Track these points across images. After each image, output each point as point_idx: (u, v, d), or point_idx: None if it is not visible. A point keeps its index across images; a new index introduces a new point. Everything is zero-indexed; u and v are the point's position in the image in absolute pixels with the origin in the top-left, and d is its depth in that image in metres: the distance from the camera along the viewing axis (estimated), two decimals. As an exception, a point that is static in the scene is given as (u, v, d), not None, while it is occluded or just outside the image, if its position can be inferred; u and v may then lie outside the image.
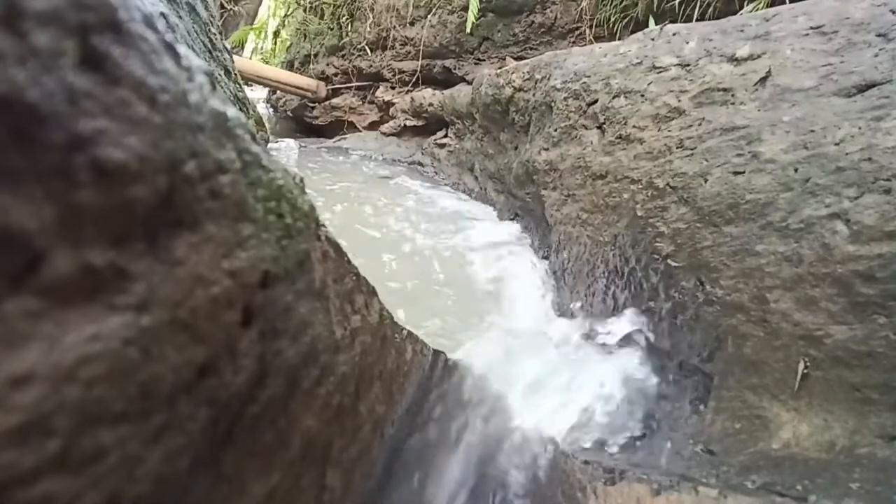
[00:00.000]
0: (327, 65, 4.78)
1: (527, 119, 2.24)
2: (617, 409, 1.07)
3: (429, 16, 3.91)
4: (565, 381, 1.14)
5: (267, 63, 5.45)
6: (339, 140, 4.51)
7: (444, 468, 0.86)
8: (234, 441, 0.39)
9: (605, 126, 1.59)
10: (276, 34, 5.92)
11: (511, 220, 2.37)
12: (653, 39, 1.60)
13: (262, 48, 6.20)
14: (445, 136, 3.59)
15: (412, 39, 4.07)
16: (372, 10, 4.34)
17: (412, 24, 4.08)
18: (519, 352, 1.25)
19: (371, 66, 4.44)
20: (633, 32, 2.00)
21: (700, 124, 1.26)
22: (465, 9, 3.55)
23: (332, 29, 4.76)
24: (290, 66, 5.18)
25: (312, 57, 4.89)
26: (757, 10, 2.19)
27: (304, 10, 5.07)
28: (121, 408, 0.28)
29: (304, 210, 0.49)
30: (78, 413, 0.26)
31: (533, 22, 3.47)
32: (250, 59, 5.83)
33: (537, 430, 0.97)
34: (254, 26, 6.35)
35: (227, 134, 0.37)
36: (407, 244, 2.07)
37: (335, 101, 4.74)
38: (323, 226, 0.54)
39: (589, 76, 1.73)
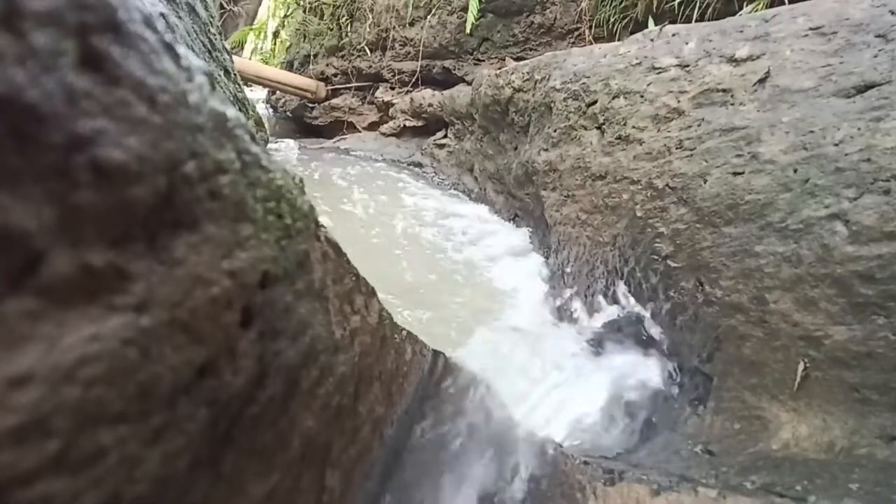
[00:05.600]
0: (327, 65, 4.78)
1: (526, 120, 2.24)
2: (616, 410, 1.07)
3: (428, 16, 3.91)
4: (565, 381, 1.14)
5: (266, 63, 5.45)
6: (338, 140, 4.51)
7: (443, 468, 0.86)
8: (234, 441, 0.39)
9: (604, 127, 1.59)
10: (276, 34, 5.93)
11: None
12: (652, 40, 1.60)
13: (261, 48, 6.21)
14: (445, 136, 3.59)
15: (412, 40, 4.07)
16: (371, 10, 4.35)
17: (412, 24, 4.08)
18: (519, 352, 1.25)
19: (371, 66, 4.45)
20: (632, 33, 2.00)
21: (699, 125, 1.26)
22: (465, 9, 3.55)
23: (331, 29, 4.76)
24: (289, 66, 5.18)
25: (312, 57, 4.90)
26: (756, 10, 2.19)
27: (304, 11, 5.07)
28: (120, 408, 0.28)
29: (304, 210, 0.49)
30: (77, 413, 0.26)
31: (532, 22, 3.47)
32: (250, 59, 5.84)
33: (537, 431, 0.97)
34: (253, 26, 6.36)
35: (227, 134, 0.37)
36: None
37: (335, 101, 4.74)
38: (322, 226, 0.54)
39: (588, 77, 1.73)
